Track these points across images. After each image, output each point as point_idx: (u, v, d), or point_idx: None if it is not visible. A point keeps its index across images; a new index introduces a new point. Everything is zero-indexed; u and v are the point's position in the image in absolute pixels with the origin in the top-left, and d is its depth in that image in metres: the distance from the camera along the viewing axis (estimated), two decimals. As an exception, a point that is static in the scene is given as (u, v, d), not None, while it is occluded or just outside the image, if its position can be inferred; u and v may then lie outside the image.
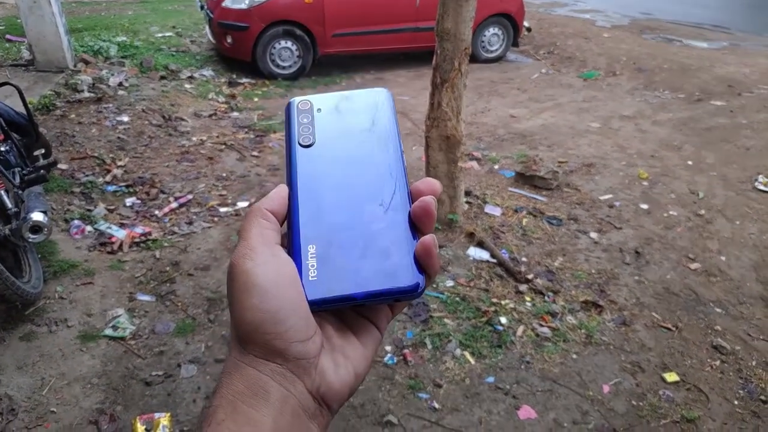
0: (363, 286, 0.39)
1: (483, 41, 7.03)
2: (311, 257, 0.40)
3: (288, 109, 0.47)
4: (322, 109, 0.47)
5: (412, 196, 0.42)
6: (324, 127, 0.46)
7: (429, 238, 0.40)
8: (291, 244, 0.41)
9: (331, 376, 0.38)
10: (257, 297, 0.36)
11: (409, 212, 0.41)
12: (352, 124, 0.46)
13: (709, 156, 4.51)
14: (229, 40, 6.03)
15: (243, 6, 5.89)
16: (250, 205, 3.54)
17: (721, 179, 4.12)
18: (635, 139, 4.84)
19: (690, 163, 4.38)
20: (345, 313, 0.41)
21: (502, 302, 2.73)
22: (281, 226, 0.42)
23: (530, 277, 2.92)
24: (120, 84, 5.17)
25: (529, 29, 7.86)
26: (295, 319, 0.37)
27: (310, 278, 0.39)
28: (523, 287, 2.85)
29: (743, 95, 5.92)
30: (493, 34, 7.05)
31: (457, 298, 2.74)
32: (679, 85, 6.28)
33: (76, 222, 3.23)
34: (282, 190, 0.43)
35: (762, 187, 3.98)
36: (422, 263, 0.39)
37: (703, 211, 3.66)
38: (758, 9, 11.32)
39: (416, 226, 0.41)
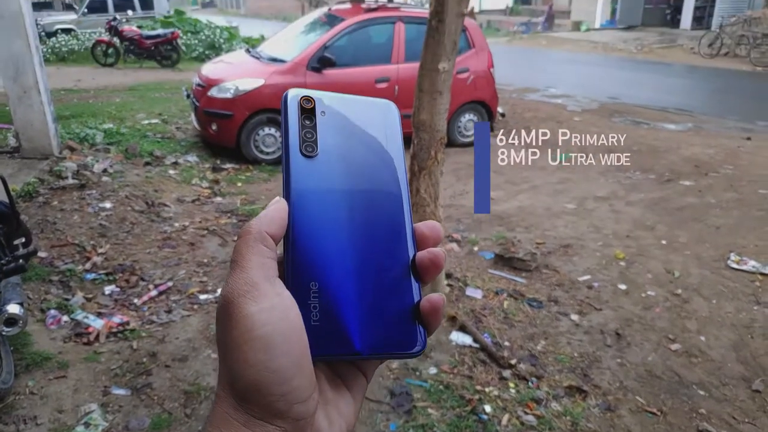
0: (367, 342, 0.36)
1: (459, 126, 7.32)
2: (313, 297, 0.36)
3: (287, 103, 0.41)
4: (326, 113, 0.41)
5: (416, 238, 0.40)
6: (328, 137, 0.41)
7: (438, 299, 0.38)
8: (291, 276, 0.36)
9: None
10: (263, 352, 0.32)
11: (414, 256, 0.39)
12: (358, 138, 0.42)
13: (682, 235, 4.64)
14: (213, 127, 6.20)
15: (228, 95, 6.11)
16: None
17: (695, 258, 4.22)
18: (610, 219, 4.98)
19: (664, 242, 4.50)
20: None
21: (486, 389, 2.70)
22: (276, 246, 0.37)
23: (513, 362, 2.90)
24: (104, 170, 5.24)
25: (503, 114, 8.22)
26: (301, 378, 0.33)
27: (312, 323, 0.35)
28: (506, 373, 2.83)
29: (710, 175, 6.17)
30: (468, 120, 7.36)
31: (441, 387, 2.70)
32: (649, 166, 6.54)
33: (53, 312, 3.17)
34: (282, 209, 0.37)
35: (734, 266, 4.08)
36: (426, 320, 0.38)
37: (679, 291, 3.72)
38: (720, 94, 12.02)
39: (419, 272, 0.39)
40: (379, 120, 0.43)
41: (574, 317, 3.38)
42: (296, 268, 0.36)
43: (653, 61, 16.11)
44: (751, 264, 4.07)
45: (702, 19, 20.46)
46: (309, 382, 0.34)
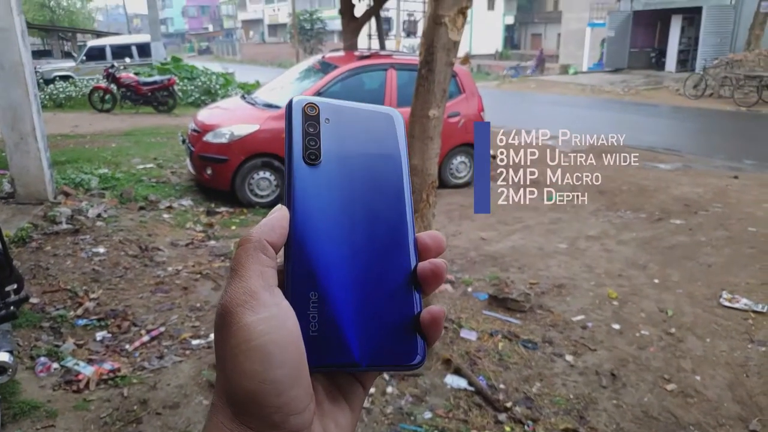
0: (366, 354, 0.36)
1: (451, 168, 7.42)
2: (312, 307, 0.36)
3: (291, 110, 0.41)
4: (331, 120, 0.41)
5: (418, 248, 0.40)
6: (331, 144, 0.40)
7: (438, 310, 0.38)
8: (290, 286, 0.36)
9: None
10: (260, 363, 0.32)
11: (415, 266, 0.39)
12: (362, 146, 0.41)
13: (674, 274, 4.66)
14: (208, 171, 6.27)
15: (223, 140, 6.20)
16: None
17: (687, 297, 4.23)
18: (602, 258, 5.01)
19: (656, 281, 4.52)
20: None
21: (482, 433, 2.67)
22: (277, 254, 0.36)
23: (509, 405, 2.88)
24: (99, 215, 5.27)
25: (494, 156, 8.35)
26: (297, 390, 0.33)
27: (311, 333, 0.35)
28: (502, 416, 2.80)
29: (699, 214, 6.25)
30: (460, 162, 7.47)
31: (436, 431, 2.67)
32: (639, 205, 6.62)
33: (42, 359, 3.13)
34: (283, 217, 0.37)
35: (727, 304, 4.09)
36: (426, 332, 0.37)
37: (673, 330, 3.72)
38: (706, 134, 12.29)
39: (420, 283, 0.39)
40: (383, 129, 0.43)
41: (569, 358, 3.37)
42: (296, 278, 0.36)
43: (640, 103, 16.50)
44: (743, 302, 4.08)
45: (686, 62, 21.10)
46: (306, 393, 0.33)
